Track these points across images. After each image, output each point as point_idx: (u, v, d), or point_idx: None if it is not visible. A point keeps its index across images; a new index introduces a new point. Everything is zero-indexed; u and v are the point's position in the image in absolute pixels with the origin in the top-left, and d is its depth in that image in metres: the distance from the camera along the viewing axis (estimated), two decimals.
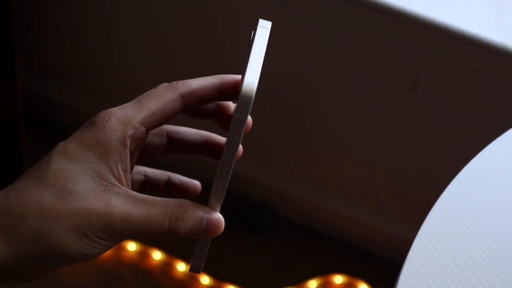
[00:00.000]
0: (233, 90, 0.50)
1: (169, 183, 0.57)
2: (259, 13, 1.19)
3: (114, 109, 0.48)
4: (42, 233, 0.46)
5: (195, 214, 0.48)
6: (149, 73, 1.38)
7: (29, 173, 0.47)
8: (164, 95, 0.49)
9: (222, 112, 0.53)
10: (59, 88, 1.50)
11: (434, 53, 1.11)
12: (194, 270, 0.52)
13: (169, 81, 0.51)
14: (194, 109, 0.52)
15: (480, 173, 0.64)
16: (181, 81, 0.50)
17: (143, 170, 0.56)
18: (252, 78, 0.46)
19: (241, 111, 0.46)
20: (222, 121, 0.53)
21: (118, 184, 0.47)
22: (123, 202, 0.47)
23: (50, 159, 0.47)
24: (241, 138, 0.47)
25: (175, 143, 0.55)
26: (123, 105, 0.49)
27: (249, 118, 0.50)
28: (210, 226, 0.48)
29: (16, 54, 1.24)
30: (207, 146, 0.55)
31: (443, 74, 1.13)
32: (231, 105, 0.53)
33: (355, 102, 1.24)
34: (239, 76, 0.51)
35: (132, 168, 0.52)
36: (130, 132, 0.48)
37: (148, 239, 1.36)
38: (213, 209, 0.49)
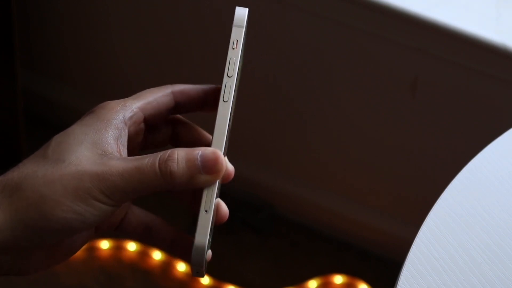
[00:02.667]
0: (216, 94, 0.52)
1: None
2: (260, 13, 1.19)
3: (113, 100, 0.50)
4: (35, 199, 0.45)
5: (187, 152, 0.46)
6: (149, 73, 1.38)
7: (30, 156, 0.48)
8: (158, 90, 0.52)
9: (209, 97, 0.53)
10: (59, 88, 1.50)
11: (434, 53, 1.11)
12: (198, 264, 0.48)
13: (169, 81, 0.54)
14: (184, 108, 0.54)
15: (480, 173, 0.64)
16: (173, 84, 0.53)
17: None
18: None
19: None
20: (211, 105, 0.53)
21: (114, 153, 0.47)
22: (115, 161, 0.46)
23: (50, 140, 0.48)
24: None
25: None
26: (122, 99, 0.51)
27: (231, 168, 0.50)
28: (207, 160, 0.46)
29: (16, 54, 1.24)
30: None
31: (443, 74, 1.13)
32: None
33: (355, 102, 1.24)
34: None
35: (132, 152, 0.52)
36: (130, 114, 0.49)
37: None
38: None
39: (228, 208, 0.51)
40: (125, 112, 0.49)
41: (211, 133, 0.49)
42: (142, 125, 0.51)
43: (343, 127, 1.29)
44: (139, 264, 1.36)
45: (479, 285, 0.57)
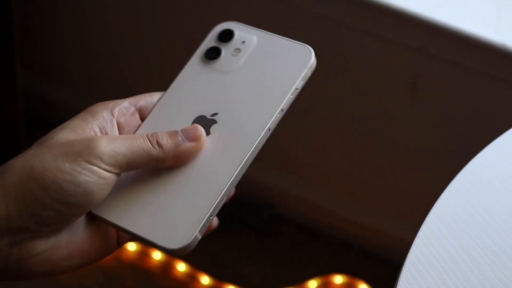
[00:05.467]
0: None
1: None
2: (259, 13, 1.19)
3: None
4: (26, 169, 0.46)
5: (168, 132, 0.51)
6: (149, 73, 1.38)
7: None
8: (152, 93, 0.56)
9: None
10: (59, 88, 1.50)
11: (434, 53, 1.11)
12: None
13: (169, 82, 0.56)
14: None
15: (480, 173, 0.64)
16: None
17: None
18: None
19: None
20: None
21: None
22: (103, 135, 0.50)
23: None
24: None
25: None
26: None
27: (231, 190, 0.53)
28: (186, 129, 0.51)
29: (16, 54, 1.24)
30: None
31: (443, 74, 1.13)
32: None
33: (355, 102, 1.24)
34: None
35: None
36: (118, 106, 0.52)
37: None
38: None
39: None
40: (113, 104, 0.52)
41: None
42: (136, 116, 0.53)
43: (343, 127, 1.29)
44: (139, 264, 1.36)
45: (479, 285, 0.57)
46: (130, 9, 1.33)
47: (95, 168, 0.47)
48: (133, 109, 0.53)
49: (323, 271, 1.37)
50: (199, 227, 0.50)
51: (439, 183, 0.65)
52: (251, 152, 0.53)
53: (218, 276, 1.34)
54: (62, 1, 1.38)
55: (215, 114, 0.54)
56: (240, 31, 0.58)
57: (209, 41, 0.58)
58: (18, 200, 0.45)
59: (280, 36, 0.59)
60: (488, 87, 1.12)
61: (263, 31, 0.58)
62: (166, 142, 0.50)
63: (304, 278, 1.36)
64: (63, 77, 1.50)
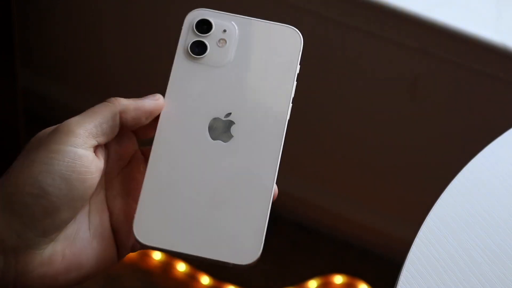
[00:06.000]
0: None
1: None
2: (258, 13, 1.19)
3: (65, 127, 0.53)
4: (6, 176, 0.46)
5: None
6: (150, 74, 1.38)
7: None
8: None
9: None
10: (59, 88, 1.50)
11: (434, 53, 1.11)
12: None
13: (164, 81, 0.56)
14: None
15: (480, 173, 0.64)
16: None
17: None
18: None
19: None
20: None
21: None
22: None
23: None
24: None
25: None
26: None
27: (275, 187, 0.52)
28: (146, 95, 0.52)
29: (16, 54, 1.24)
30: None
31: (443, 74, 1.13)
32: None
33: (354, 102, 1.24)
34: None
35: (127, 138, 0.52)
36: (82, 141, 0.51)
37: None
38: None
39: None
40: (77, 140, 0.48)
41: None
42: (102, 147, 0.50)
43: (343, 127, 1.29)
44: (139, 264, 1.36)
45: (479, 285, 0.57)
46: (130, 9, 1.33)
47: (67, 148, 0.46)
48: (94, 144, 0.50)
49: (323, 271, 1.37)
50: (264, 235, 0.47)
51: (439, 183, 0.65)
52: (282, 146, 0.51)
53: (218, 276, 1.34)
54: (62, 1, 1.38)
55: (229, 114, 0.51)
56: (216, 18, 0.54)
57: (187, 34, 0.54)
58: (2, 209, 0.45)
59: (257, 19, 0.55)
60: (488, 87, 1.12)
61: (237, 15, 0.55)
62: (126, 99, 0.50)
63: (304, 278, 1.36)
64: (63, 77, 1.50)
